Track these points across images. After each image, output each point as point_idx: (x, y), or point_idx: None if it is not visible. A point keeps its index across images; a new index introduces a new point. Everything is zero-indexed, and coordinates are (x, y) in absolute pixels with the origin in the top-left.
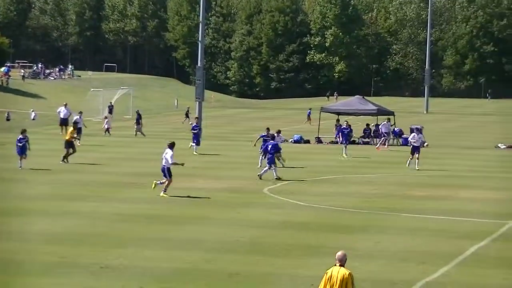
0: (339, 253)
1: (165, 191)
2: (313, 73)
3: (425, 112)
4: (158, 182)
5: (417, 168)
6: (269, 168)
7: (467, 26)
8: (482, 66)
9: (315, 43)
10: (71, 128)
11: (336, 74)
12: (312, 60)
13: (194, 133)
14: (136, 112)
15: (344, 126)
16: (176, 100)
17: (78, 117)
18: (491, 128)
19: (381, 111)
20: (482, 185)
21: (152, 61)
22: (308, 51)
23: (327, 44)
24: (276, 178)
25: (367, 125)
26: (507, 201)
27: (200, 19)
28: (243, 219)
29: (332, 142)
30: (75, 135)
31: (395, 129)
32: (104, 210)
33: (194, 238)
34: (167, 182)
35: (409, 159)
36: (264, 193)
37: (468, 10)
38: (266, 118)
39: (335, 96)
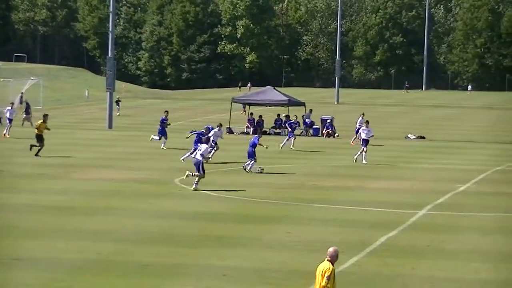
0: (330, 249)
1: (196, 184)
2: (224, 64)
3: (336, 102)
4: (191, 174)
5: (364, 163)
6: (253, 161)
7: (377, 17)
8: (392, 57)
9: (226, 34)
10: (40, 121)
11: (247, 65)
12: (223, 50)
13: (161, 127)
14: (25, 102)
15: (293, 121)
16: (87, 91)
17: (6, 109)
18: (401, 118)
19: (292, 102)
20: (392, 176)
21: (62, 52)
22: (219, 42)
23: (238, 35)
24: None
25: (278, 115)
26: (417, 191)
27: (110, 9)
28: (155, 210)
29: (243, 133)
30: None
31: (306, 120)
32: (15, 202)
33: (106, 229)
34: (199, 176)
35: (358, 152)
36: (176, 184)
37: (377, 1)
38: (177, 108)
39: (248, 87)
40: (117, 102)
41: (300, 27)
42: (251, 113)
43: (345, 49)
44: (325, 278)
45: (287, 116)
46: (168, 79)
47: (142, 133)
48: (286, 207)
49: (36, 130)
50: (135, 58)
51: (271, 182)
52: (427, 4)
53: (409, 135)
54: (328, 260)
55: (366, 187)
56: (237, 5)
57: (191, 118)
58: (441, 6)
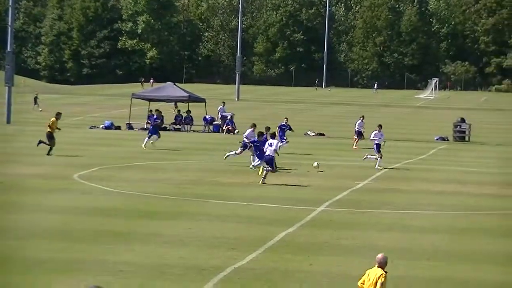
0: (379, 256)
1: (264, 178)
2: (125, 59)
3: (236, 99)
4: (265, 169)
5: (379, 167)
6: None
7: (277, 15)
8: (292, 54)
9: (127, 29)
10: (53, 119)
11: (148, 61)
12: (123, 46)
13: (152, 126)
14: None
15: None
16: None
17: None
18: (302, 115)
19: (193, 98)
20: (291, 172)
21: None
22: (120, 37)
23: (139, 31)
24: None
25: (178, 111)
26: (316, 187)
27: (10, 3)
28: (52, 205)
29: (143, 129)
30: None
31: (206, 116)
32: None
33: (2, 226)
34: (270, 171)
35: (378, 159)
36: (74, 179)
37: None
38: (77, 104)
39: (151, 82)
40: (35, 98)
41: (201, 24)
42: (150, 110)
43: (246, 45)
44: (378, 285)
45: (188, 112)
46: (68, 74)
47: (40, 128)
48: (185, 203)
49: (49, 128)
50: (34, 53)
51: (170, 178)
52: (327, 2)
53: (308, 132)
54: (378, 266)
55: (266, 183)
56: (138, 1)
57: (91, 114)
58: (342, 4)
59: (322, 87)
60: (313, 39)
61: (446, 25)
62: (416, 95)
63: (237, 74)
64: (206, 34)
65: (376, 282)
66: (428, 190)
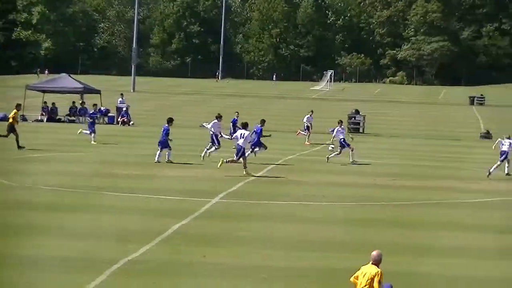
0: (374, 253)
1: (245, 167)
2: (20, 50)
3: (132, 91)
4: (226, 161)
5: (353, 160)
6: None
7: (174, 6)
8: (189, 46)
9: (22, 20)
10: (14, 110)
11: (43, 52)
12: (18, 37)
13: (90, 121)
14: None
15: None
16: None
17: None
18: (199, 107)
19: (88, 89)
20: (187, 164)
21: None
22: (15, 28)
23: (33, 21)
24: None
25: (73, 103)
26: (211, 179)
27: None
28: None
29: (37, 120)
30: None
31: (101, 108)
32: None
33: None
34: (243, 161)
35: (350, 155)
36: None
37: None
38: None
39: (46, 73)
40: None
41: (97, 14)
42: (45, 102)
43: (142, 37)
44: (376, 283)
45: (82, 103)
46: None
47: None
48: (82, 195)
49: (12, 120)
50: None
51: (66, 170)
52: None
53: (204, 124)
54: (373, 263)
55: (160, 175)
56: None
57: None
58: None
59: (218, 78)
60: (210, 30)
61: (342, 17)
62: (312, 87)
63: (133, 66)
64: (102, 25)
65: (372, 279)
66: (324, 182)
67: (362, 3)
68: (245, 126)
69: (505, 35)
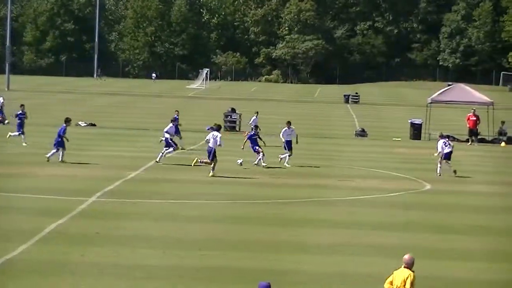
0: (406, 257)
1: (213, 170)
2: None
3: (6, 89)
4: (200, 161)
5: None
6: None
7: (48, 3)
8: (63, 44)
9: None
10: None
11: None
12: None
13: (19, 122)
14: None
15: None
16: None
17: None
18: (74, 105)
19: None
20: (68, 163)
21: None
22: None
23: None
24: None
25: None
26: (87, 178)
27: None
28: None
29: None
30: None
31: None
32: None
33: None
34: (212, 163)
35: (286, 158)
36: None
37: None
38: None
39: None
40: None
41: None
42: None
43: (15, 35)
44: (408, 285)
45: None
46: None
47: None
48: None
49: None
50: None
51: None
52: None
53: (80, 122)
54: (405, 267)
55: (38, 174)
56: None
57: None
58: None
59: (94, 76)
60: (84, 28)
61: (217, 15)
62: (187, 85)
63: (7, 64)
64: None
65: (405, 282)
66: (202, 180)
67: (236, 2)
68: (218, 128)
69: (378, 34)
